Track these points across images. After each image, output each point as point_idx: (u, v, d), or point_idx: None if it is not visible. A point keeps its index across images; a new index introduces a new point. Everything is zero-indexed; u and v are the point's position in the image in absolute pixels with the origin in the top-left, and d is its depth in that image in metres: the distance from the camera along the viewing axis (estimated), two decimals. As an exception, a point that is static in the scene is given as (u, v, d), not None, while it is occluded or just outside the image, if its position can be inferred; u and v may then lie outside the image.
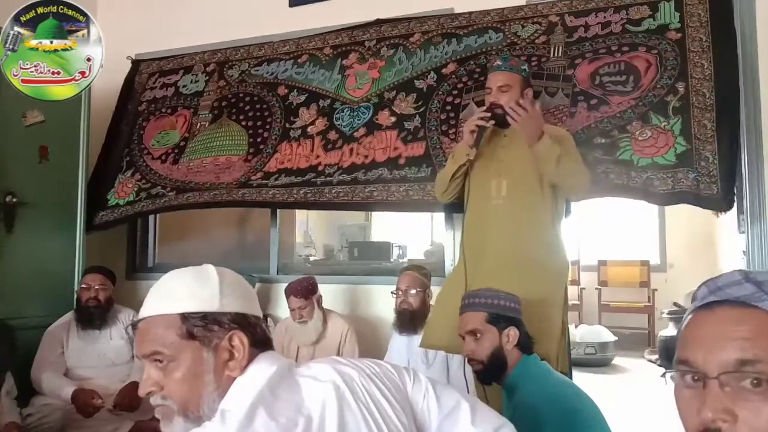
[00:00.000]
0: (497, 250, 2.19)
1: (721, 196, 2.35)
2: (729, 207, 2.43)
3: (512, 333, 1.74)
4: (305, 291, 2.73)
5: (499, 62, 2.31)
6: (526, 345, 1.76)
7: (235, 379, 0.97)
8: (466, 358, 1.80)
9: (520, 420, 1.56)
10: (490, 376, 1.76)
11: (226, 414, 0.90)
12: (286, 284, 2.84)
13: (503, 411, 1.74)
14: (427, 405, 1.08)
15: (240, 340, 0.98)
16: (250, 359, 0.99)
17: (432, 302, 2.63)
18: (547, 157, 2.12)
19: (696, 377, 0.66)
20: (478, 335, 1.74)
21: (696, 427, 0.65)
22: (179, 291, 1.00)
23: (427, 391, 1.09)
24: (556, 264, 2.23)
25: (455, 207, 2.78)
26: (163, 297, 1.00)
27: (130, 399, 2.61)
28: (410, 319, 2.54)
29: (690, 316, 0.71)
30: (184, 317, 0.97)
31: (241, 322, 1.00)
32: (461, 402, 1.10)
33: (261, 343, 1.02)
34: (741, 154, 2.50)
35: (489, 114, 2.22)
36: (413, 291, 2.55)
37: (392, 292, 2.62)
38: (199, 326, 0.97)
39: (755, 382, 0.62)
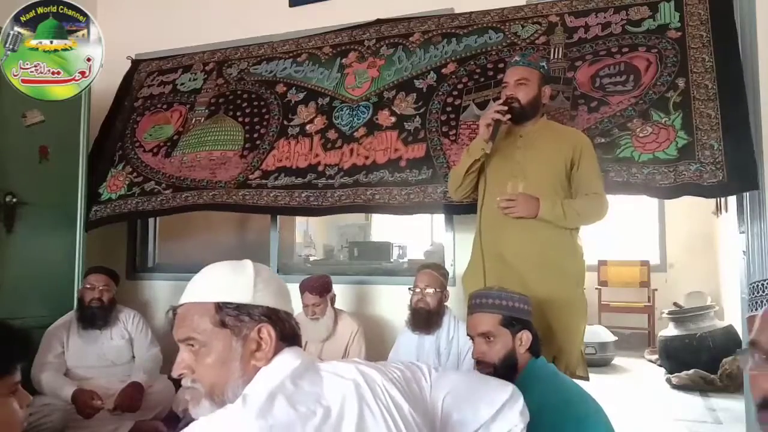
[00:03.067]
0: (514, 252, 2.17)
1: (729, 181, 2.31)
2: (749, 186, 2.36)
3: (525, 337, 1.69)
4: (320, 289, 2.75)
5: (517, 58, 2.30)
6: (535, 348, 1.72)
7: (260, 368, 1.01)
8: (475, 360, 1.74)
9: (529, 423, 1.55)
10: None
11: (247, 398, 0.94)
12: (286, 283, 2.83)
13: None
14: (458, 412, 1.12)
15: (268, 333, 1.03)
16: (276, 352, 1.03)
17: (447, 303, 2.59)
18: (554, 220, 2.14)
19: (761, 356, 0.75)
20: (491, 338, 1.69)
21: (759, 396, 0.74)
22: (217, 282, 1.07)
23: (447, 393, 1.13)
24: (573, 266, 2.20)
25: (455, 209, 2.78)
26: (201, 286, 1.07)
27: (130, 400, 2.61)
28: (426, 319, 2.50)
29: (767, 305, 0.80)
30: (219, 307, 1.03)
31: (272, 316, 1.05)
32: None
33: (289, 338, 1.06)
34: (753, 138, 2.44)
35: (506, 108, 2.18)
36: (431, 290, 2.50)
37: (409, 289, 2.58)
38: (231, 316, 1.03)
39: None
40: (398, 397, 1.02)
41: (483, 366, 1.70)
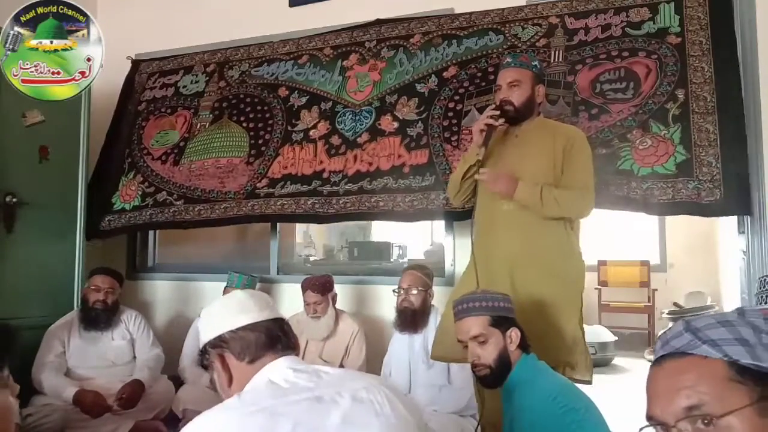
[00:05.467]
0: (508, 253, 2.14)
1: (725, 202, 2.34)
2: (741, 210, 2.42)
3: (515, 334, 1.72)
4: (322, 287, 2.77)
5: (509, 59, 2.26)
6: (524, 344, 1.75)
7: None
8: (471, 365, 1.75)
9: (520, 419, 1.56)
10: (497, 380, 1.73)
11: (242, 394, 1.05)
12: (286, 283, 2.86)
13: (503, 412, 1.73)
14: None
15: (221, 363, 1.18)
16: (250, 371, 1.13)
17: (434, 302, 2.63)
18: (529, 204, 2.08)
19: (663, 429, 0.76)
20: (483, 340, 1.71)
21: None
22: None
23: None
24: (569, 268, 2.16)
25: (456, 215, 2.80)
26: None
27: (129, 395, 2.62)
28: (411, 318, 2.53)
29: (650, 372, 0.81)
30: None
31: (217, 344, 1.18)
32: None
33: (263, 345, 1.15)
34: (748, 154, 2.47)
35: (498, 112, 2.15)
36: (415, 290, 2.55)
37: (393, 291, 2.62)
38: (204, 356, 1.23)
39: (705, 422, 0.72)
40: (394, 398, 1.07)
41: (479, 368, 1.73)
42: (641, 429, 0.79)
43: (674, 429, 0.74)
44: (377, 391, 1.06)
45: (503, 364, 1.70)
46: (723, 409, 0.71)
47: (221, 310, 1.21)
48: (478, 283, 2.14)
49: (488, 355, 1.71)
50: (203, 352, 1.19)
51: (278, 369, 1.10)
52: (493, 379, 1.72)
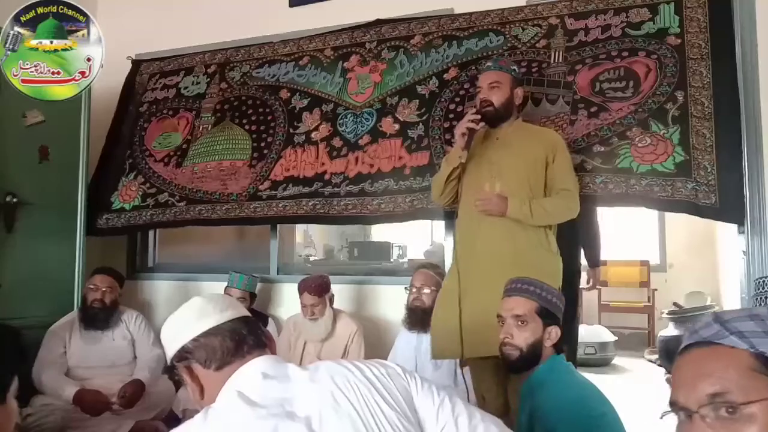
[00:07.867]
0: (488, 251, 2.21)
1: (720, 207, 2.38)
2: (736, 219, 2.46)
3: (555, 332, 1.72)
4: (319, 288, 2.76)
5: (489, 63, 2.39)
6: (558, 347, 1.75)
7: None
8: (501, 341, 1.74)
9: (544, 419, 1.55)
10: (522, 366, 1.72)
11: (208, 410, 1.00)
12: (287, 283, 2.86)
13: (520, 406, 1.73)
14: (435, 414, 1.08)
15: (188, 374, 1.14)
16: (220, 377, 1.07)
17: None
18: (522, 218, 2.19)
19: (685, 414, 0.78)
20: (523, 322, 1.71)
21: None
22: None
23: (435, 402, 1.09)
24: (548, 265, 2.22)
25: (455, 215, 2.81)
26: None
27: (129, 395, 2.62)
28: (422, 317, 2.53)
29: (677, 360, 0.83)
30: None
31: (183, 355, 1.13)
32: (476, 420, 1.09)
33: (230, 351, 1.10)
34: (743, 161, 2.50)
35: (479, 116, 2.24)
36: (427, 290, 2.56)
37: (405, 288, 2.63)
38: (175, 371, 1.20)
39: (730, 410, 0.73)
40: (374, 396, 1.03)
41: (509, 348, 1.71)
42: (663, 414, 0.81)
43: (696, 415, 0.75)
44: (355, 395, 1.01)
45: (533, 354, 1.69)
46: (745, 398, 0.72)
47: (180, 320, 1.16)
48: (459, 282, 2.19)
49: (523, 339, 1.69)
50: (171, 368, 1.16)
51: (247, 376, 1.05)
52: (519, 363, 1.71)
